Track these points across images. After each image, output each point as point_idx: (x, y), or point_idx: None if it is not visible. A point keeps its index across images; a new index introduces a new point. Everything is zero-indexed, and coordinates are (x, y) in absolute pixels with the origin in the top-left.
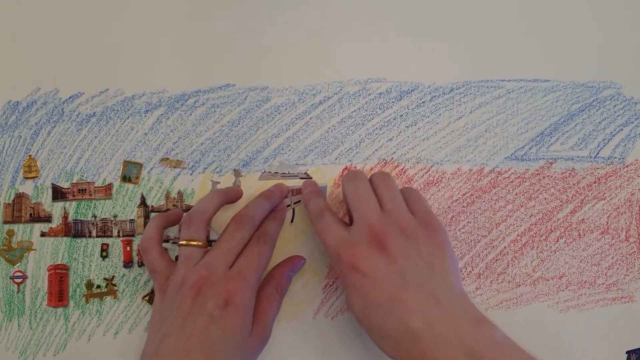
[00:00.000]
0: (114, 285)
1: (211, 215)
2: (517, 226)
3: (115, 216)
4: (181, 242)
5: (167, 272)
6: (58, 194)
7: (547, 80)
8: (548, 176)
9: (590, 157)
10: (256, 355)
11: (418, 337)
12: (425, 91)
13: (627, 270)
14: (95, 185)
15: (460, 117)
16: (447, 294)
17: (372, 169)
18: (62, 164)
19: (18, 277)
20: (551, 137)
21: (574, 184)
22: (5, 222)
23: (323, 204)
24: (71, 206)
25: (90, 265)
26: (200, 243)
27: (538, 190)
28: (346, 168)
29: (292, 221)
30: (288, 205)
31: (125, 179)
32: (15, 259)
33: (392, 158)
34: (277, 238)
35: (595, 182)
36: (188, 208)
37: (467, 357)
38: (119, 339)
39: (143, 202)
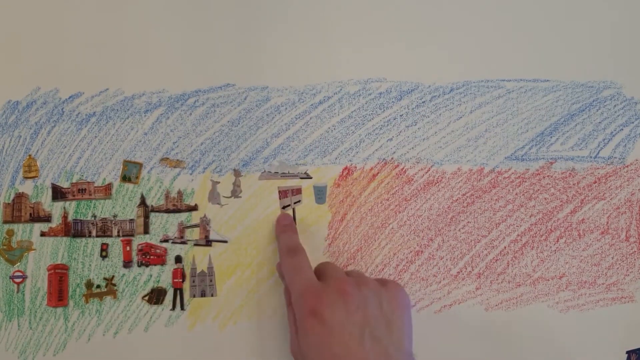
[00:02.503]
0: (114, 285)
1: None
2: (517, 226)
3: (115, 216)
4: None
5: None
6: (58, 193)
7: (547, 80)
8: (548, 176)
9: (591, 157)
10: None
11: None
12: (425, 91)
13: (627, 270)
14: (95, 185)
15: (460, 117)
16: (399, 354)
17: (372, 168)
18: (62, 164)
19: (18, 276)
20: (551, 137)
21: (574, 184)
22: (5, 222)
23: (297, 241)
24: (71, 206)
25: (90, 265)
26: None
27: (538, 190)
28: (346, 168)
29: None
30: (288, 205)
31: (125, 178)
32: (15, 259)
33: (392, 158)
34: None
35: (595, 182)
36: (188, 207)
37: None
38: (119, 338)
39: (143, 202)
